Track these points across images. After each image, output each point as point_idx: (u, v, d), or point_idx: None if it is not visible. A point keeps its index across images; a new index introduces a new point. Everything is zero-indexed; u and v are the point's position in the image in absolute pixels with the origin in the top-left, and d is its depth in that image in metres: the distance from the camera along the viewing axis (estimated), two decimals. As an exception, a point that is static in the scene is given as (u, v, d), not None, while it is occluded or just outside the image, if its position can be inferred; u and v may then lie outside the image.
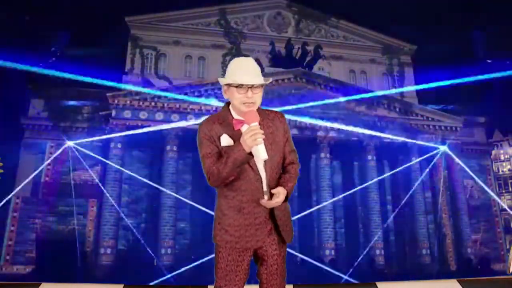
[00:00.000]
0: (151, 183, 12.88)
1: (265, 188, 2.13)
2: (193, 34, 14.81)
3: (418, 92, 15.26)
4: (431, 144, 13.99)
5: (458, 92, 12.95)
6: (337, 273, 12.00)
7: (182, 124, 12.91)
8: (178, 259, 12.21)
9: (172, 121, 13.05)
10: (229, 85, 2.11)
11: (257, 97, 2.11)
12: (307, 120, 13.70)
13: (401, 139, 14.04)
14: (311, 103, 13.92)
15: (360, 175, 14.40)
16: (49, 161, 12.66)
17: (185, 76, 14.40)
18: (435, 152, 13.99)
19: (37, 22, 11.30)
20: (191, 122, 12.81)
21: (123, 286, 5.06)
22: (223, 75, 2.17)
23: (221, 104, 2.29)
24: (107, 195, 12.30)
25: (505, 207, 15.43)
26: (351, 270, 12.46)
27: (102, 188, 12.36)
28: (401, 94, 15.16)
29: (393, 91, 15.26)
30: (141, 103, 12.96)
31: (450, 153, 13.97)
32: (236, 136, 2.10)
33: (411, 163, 14.10)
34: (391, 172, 14.48)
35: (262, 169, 2.13)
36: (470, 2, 11.51)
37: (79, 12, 11.56)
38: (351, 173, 14.73)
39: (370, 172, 13.87)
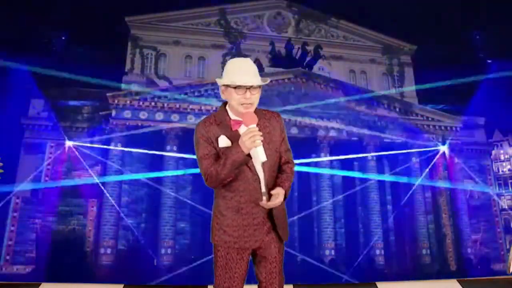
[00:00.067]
0: (151, 183, 12.91)
1: (263, 189, 2.13)
2: (193, 34, 14.81)
3: (418, 92, 15.27)
4: (431, 144, 13.99)
5: (458, 92, 12.95)
6: (337, 273, 12.01)
7: (182, 124, 12.93)
8: (178, 259, 12.22)
9: (172, 121, 13.06)
10: (227, 85, 2.11)
11: (255, 98, 2.11)
12: (307, 120, 13.71)
13: (401, 139, 14.06)
14: (311, 103, 13.93)
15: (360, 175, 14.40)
16: (49, 161, 12.67)
17: (185, 76, 14.40)
18: (435, 152, 13.99)
19: (37, 22, 11.31)
20: (191, 122, 12.82)
21: (123, 286, 5.07)
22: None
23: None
24: (107, 195, 12.31)
25: (505, 207, 15.43)
26: (351, 270, 12.48)
27: (102, 188, 12.37)
28: (401, 94, 15.17)
29: (393, 91, 15.27)
30: (141, 103, 12.96)
31: (450, 153, 13.97)
32: (234, 137, 2.10)
33: (411, 163, 14.11)
34: (391, 172, 14.49)
35: (260, 170, 2.13)
36: (470, 2, 11.51)
37: (79, 12, 11.57)
38: (351, 173, 14.72)
39: (370, 172, 13.87)
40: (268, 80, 2.16)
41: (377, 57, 15.77)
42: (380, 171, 14.28)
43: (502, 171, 16.46)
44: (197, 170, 2.19)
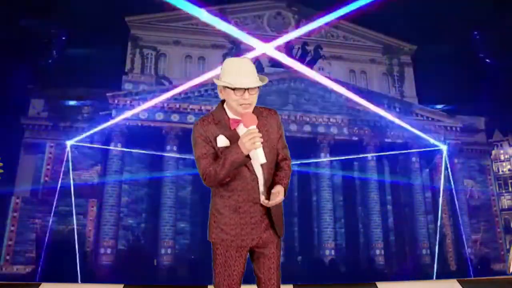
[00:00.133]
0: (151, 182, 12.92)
1: (261, 188, 2.13)
2: (193, 34, 14.81)
3: (418, 92, 15.28)
4: (431, 144, 13.98)
5: (458, 92, 12.94)
6: (337, 273, 12.01)
7: (182, 124, 12.93)
8: (178, 259, 12.23)
9: (172, 121, 13.06)
10: (225, 86, 2.11)
11: (254, 98, 2.10)
12: (307, 120, 13.71)
13: (401, 139, 14.06)
14: (311, 103, 13.94)
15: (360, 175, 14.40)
16: (49, 161, 12.67)
17: (185, 76, 14.40)
18: (435, 152, 13.98)
19: (37, 22, 11.30)
20: (191, 122, 12.82)
21: (123, 286, 5.06)
22: None
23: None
24: (107, 195, 12.32)
25: (505, 207, 15.43)
26: (351, 270, 12.48)
27: (102, 188, 12.38)
28: (401, 94, 15.17)
29: (393, 91, 15.28)
30: (141, 103, 12.97)
31: (450, 153, 13.96)
32: (232, 136, 2.09)
33: (411, 163, 14.11)
34: (391, 173, 14.49)
35: (259, 170, 2.13)
36: (470, 2, 11.50)
37: (79, 12, 11.56)
38: (351, 173, 14.73)
39: (370, 172, 13.87)
40: (267, 80, 2.15)
41: (377, 57, 15.77)
42: (380, 171, 14.28)
43: (502, 171, 16.47)
44: (196, 170, 2.17)
